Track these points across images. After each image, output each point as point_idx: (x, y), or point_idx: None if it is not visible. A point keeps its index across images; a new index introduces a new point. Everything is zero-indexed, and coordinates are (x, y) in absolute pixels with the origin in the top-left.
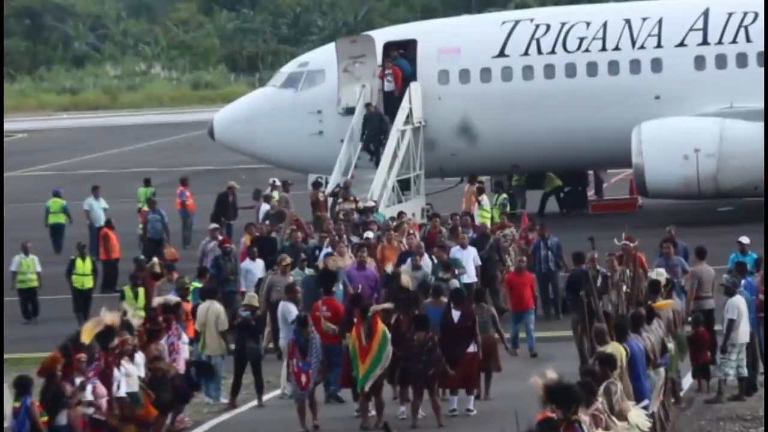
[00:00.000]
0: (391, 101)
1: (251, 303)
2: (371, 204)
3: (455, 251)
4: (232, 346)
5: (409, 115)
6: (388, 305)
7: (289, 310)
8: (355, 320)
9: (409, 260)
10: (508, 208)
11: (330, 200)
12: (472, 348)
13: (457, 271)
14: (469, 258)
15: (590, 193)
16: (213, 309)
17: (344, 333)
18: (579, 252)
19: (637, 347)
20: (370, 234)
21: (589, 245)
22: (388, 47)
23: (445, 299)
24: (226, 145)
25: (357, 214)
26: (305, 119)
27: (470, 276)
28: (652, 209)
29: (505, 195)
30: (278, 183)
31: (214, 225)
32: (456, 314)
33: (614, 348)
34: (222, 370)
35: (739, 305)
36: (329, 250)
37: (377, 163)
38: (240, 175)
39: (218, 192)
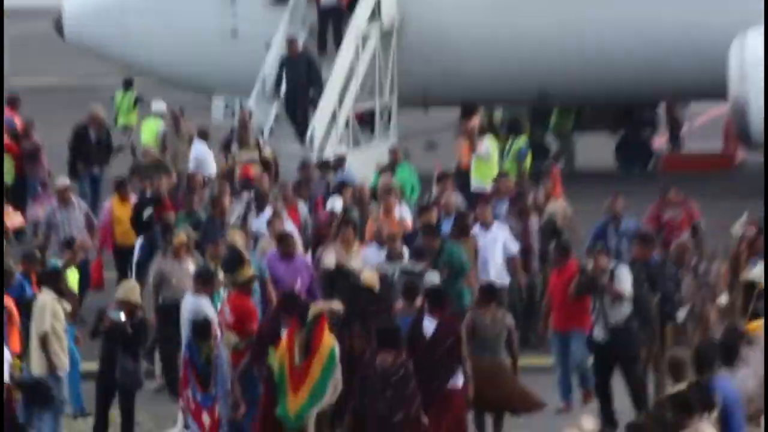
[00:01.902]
0: (330, 22)
1: (128, 299)
2: (341, 154)
3: (478, 232)
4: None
5: (376, 11)
6: (336, 304)
7: (200, 307)
8: (286, 330)
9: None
10: (528, 162)
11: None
12: (456, 381)
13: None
14: (494, 245)
15: (661, 140)
16: (39, 302)
17: (263, 351)
18: (647, 233)
19: (730, 388)
20: (337, 204)
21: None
22: None
23: None
24: (83, 47)
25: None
26: (211, 11)
27: (498, 272)
28: (758, 169)
29: (523, 141)
30: (163, 109)
31: (63, 182)
32: (430, 325)
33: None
34: (60, 400)
35: None
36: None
37: (302, 134)
38: (104, 94)
39: (74, 123)
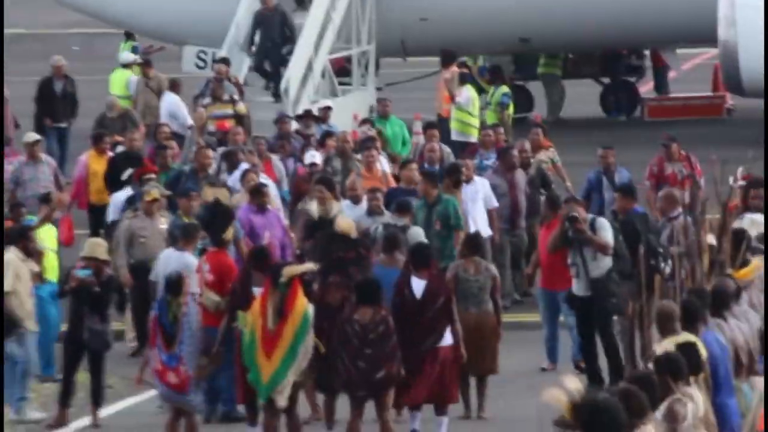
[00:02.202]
0: None
1: (94, 255)
2: (327, 104)
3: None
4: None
5: None
6: (310, 266)
7: (187, 263)
8: (260, 290)
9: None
10: (510, 110)
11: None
12: (446, 341)
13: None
14: (475, 198)
15: (646, 87)
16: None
17: (235, 310)
18: (628, 185)
19: (717, 343)
20: (316, 157)
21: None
22: None
23: (403, 257)
24: None
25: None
26: None
27: (478, 228)
28: (748, 116)
29: (505, 89)
30: (130, 59)
31: (34, 136)
32: (418, 284)
33: (686, 341)
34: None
35: None
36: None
37: (276, 93)
38: (70, 45)
39: (40, 76)
